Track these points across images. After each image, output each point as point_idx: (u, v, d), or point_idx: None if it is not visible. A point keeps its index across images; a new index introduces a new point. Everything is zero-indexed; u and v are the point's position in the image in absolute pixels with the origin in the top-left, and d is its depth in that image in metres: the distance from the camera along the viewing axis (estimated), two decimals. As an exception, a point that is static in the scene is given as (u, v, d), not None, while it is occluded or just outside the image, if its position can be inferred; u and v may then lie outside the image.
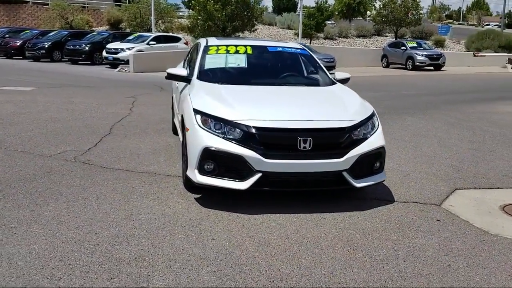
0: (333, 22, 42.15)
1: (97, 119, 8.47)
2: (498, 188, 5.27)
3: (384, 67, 28.12)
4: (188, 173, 4.39)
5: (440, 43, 35.02)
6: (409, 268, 3.26)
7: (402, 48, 27.11)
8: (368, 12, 41.75)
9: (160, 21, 32.70)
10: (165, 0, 33.80)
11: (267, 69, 5.79)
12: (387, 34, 38.60)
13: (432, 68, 26.67)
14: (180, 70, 5.47)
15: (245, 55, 5.69)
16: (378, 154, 4.46)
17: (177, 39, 24.86)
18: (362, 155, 4.28)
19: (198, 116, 4.37)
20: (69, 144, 6.52)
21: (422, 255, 3.47)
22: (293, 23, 39.38)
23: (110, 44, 22.78)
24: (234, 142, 4.12)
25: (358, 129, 4.37)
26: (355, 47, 32.37)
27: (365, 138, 4.39)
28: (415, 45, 27.44)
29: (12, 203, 4.20)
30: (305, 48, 6.15)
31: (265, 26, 37.95)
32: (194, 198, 4.53)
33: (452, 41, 39.34)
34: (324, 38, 35.70)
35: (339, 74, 5.74)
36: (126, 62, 21.34)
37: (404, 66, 26.77)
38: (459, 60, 30.84)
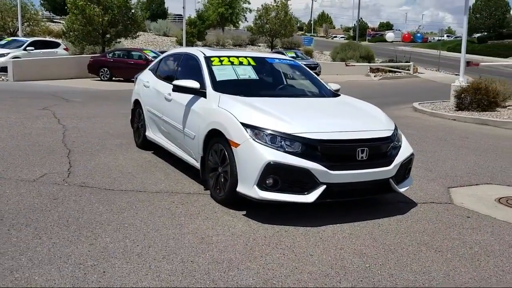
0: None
1: (36, 136, 7.55)
2: (477, 184, 5.98)
3: (265, 75, 29.26)
4: (242, 189, 4.23)
5: (309, 53, 37.58)
6: (499, 262, 3.61)
7: (283, 57, 28.54)
8: (240, 23, 43.12)
9: (25, 24, 29.75)
10: (31, 2, 30.88)
11: (277, 80, 5.79)
12: (260, 44, 40.30)
13: (309, 76, 28.53)
14: (190, 82, 5.19)
15: (250, 66, 5.63)
16: (410, 160, 4.80)
17: (56, 45, 22.98)
18: (402, 162, 4.58)
19: (249, 130, 4.25)
20: (40, 165, 5.75)
21: (493, 249, 3.85)
22: (169, 30, 38.97)
23: (-21, 49, 20.17)
24: (295, 155, 4.10)
25: (396, 138, 4.67)
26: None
27: (399, 146, 4.69)
28: (293, 55, 29.06)
29: (58, 238, 3.63)
30: (294, 60, 6.29)
31: (140, 32, 36.89)
32: (243, 214, 4.38)
33: (317, 52, 42.53)
34: (203, 46, 35.92)
35: (333, 85, 5.98)
36: (1, 69, 19.11)
37: (285, 75, 28.19)
38: (329, 69, 33.43)
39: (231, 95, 4.91)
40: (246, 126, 4.28)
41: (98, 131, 8.26)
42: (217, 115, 4.66)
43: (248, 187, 4.18)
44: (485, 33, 57.58)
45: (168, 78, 6.19)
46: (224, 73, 5.39)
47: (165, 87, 6.04)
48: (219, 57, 5.65)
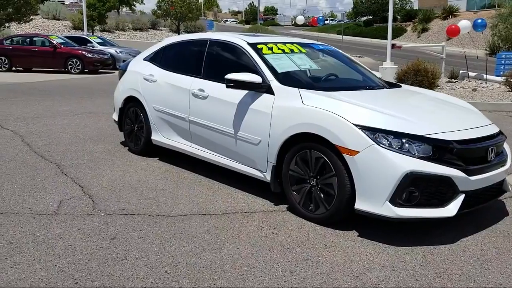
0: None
1: (-7, 147, 5.97)
2: None
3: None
4: (366, 207, 3.45)
5: (215, 37, 36.69)
6: None
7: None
8: (138, 5, 40.60)
9: None
10: None
11: (334, 69, 4.96)
12: (162, 28, 38.42)
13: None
14: (249, 75, 4.22)
15: (304, 54, 4.79)
16: (507, 155, 4.37)
17: None
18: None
19: (369, 134, 3.47)
20: (41, 190, 4.43)
21: None
22: (58, 13, 35.42)
23: None
24: (431, 161, 3.43)
25: None
26: (146, 41, 31.14)
27: None
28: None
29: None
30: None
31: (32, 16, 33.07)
32: (357, 236, 3.62)
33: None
34: (101, 31, 33.18)
35: (376, 73, 5.38)
36: None
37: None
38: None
39: (311, 90, 4.07)
40: (363, 128, 3.50)
41: (64, 136, 6.79)
42: (309, 115, 3.78)
43: (375, 204, 3.42)
44: (370, 17, 60.96)
45: (190, 71, 5.10)
46: (281, 63, 4.49)
47: (191, 82, 4.97)
48: (265, 44, 4.73)
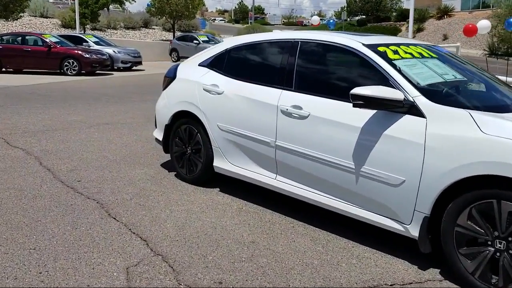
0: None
1: (1, 173, 4.69)
2: None
3: (174, 61, 26.60)
4: None
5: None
6: None
7: (195, 42, 26.00)
8: (128, 3, 39.04)
9: None
10: None
11: (483, 81, 3.78)
12: (155, 26, 37.03)
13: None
14: (385, 90, 3.05)
15: (437, 60, 3.62)
16: None
17: None
18: None
19: None
20: (94, 248, 3.19)
21: None
22: (46, 11, 33.75)
23: None
24: None
25: None
26: (140, 40, 29.70)
27: None
28: (206, 39, 26.79)
29: None
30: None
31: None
32: None
33: (221, 35, 40.42)
34: (92, 29, 31.63)
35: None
36: None
37: (197, 60, 25.76)
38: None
39: (483, 112, 2.90)
40: None
41: (90, 157, 5.54)
42: (498, 151, 2.61)
43: None
44: (364, 16, 60.16)
45: (275, 81, 3.90)
46: (419, 72, 3.32)
47: (279, 96, 3.79)
48: (386, 45, 3.55)
